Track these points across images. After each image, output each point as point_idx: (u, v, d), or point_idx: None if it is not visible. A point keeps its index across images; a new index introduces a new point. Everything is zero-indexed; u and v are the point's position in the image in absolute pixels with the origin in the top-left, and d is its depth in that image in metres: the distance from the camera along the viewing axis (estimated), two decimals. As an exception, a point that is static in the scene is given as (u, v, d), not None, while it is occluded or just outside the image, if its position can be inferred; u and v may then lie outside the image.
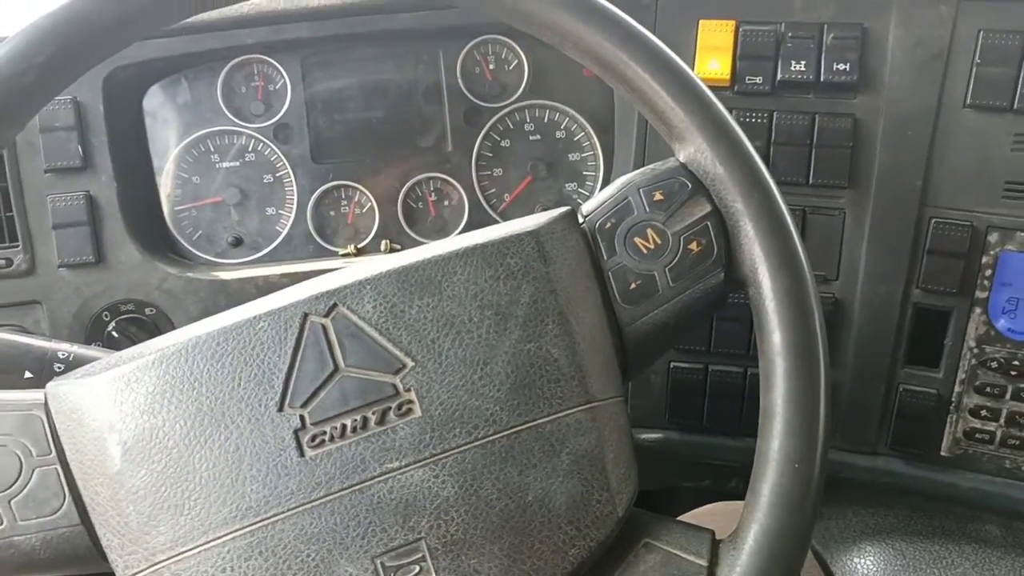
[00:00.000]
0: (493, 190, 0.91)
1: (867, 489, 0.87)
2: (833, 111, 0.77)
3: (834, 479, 0.83)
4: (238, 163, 0.90)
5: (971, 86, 0.73)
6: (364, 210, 0.91)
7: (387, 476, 0.45)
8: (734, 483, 0.93)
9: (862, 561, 0.87)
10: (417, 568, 0.45)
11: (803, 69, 0.76)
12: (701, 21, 0.78)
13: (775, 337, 0.47)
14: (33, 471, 0.47)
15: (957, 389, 0.78)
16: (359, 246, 0.91)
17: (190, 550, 0.45)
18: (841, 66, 0.76)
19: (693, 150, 0.51)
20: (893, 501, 0.88)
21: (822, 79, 0.76)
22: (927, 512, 0.87)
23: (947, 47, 0.73)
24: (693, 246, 0.50)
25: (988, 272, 0.74)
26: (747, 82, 0.77)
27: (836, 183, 0.77)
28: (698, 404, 0.85)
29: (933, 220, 0.75)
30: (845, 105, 0.77)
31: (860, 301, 0.79)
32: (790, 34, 0.76)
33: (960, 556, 0.84)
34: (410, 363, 0.47)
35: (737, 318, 0.80)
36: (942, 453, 0.80)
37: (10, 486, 0.47)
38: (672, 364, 0.84)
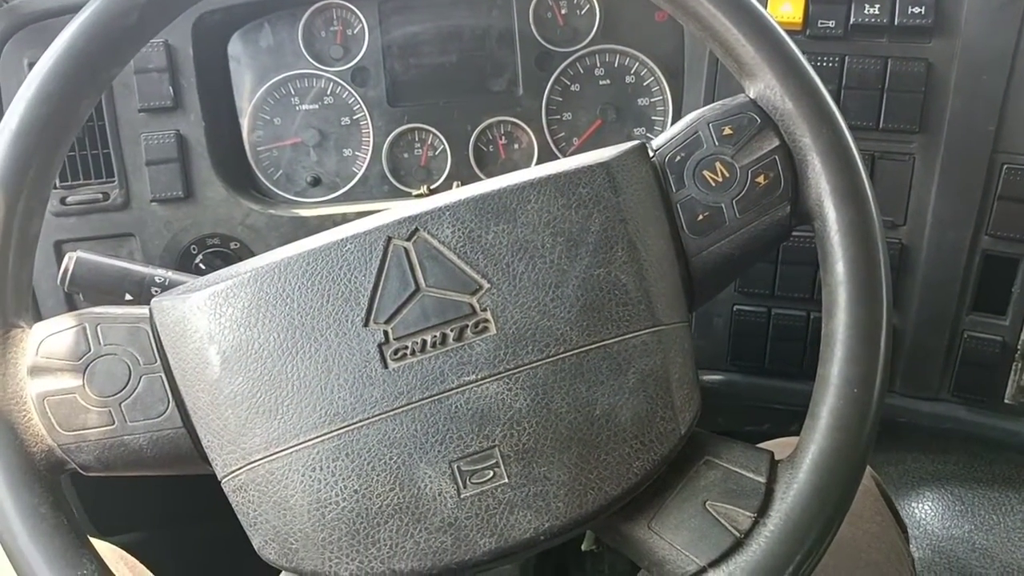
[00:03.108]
0: (562, 134, 0.93)
1: (928, 434, 0.88)
2: (906, 55, 0.76)
3: (895, 424, 0.84)
4: (317, 105, 0.93)
5: (1050, 29, 0.72)
6: (437, 152, 0.94)
7: (464, 388, 0.48)
8: (795, 427, 0.95)
9: (921, 506, 0.88)
10: (491, 473, 0.48)
11: (877, 12, 0.76)
12: (775, -36, 0.78)
13: (838, 267, 0.49)
14: (140, 378, 0.51)
15: (1023, 337, 0.78)
16: (431, 187, 0.94)
17: (283, 451, 0.48)
18: (916, 9, 0.75)
19: (763, 86, 0.52)
20: (954, 447, 0.89)
21: (896, 23, 0.76)
22: (987, 459, 0.87)
23: (1027, -11, 0.72)
24: (760, 179, 0.52)
25: (1060, 219, 0.74)
26: (819, 26, 0.77)
27: (907, 128, 0.77)
28: (761, 347, 0.87)
29: (1005, 166, 0.75)
30: (919, 49, 0.76)
31: (927, 247, 0.79)
32: (865, -23, 0.76)
33: (1020, 503, 0.85)
34: (486, 284, 0.49)
35: (801, 261, 0.81)
36: (1005, 400, 0.81)
37: (120, 391, 0.51)
38: (735, 307, 0.86)
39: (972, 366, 0.80)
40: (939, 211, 0.78)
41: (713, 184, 0.52)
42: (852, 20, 0.77)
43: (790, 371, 0.87)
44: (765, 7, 0.78)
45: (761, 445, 0.54)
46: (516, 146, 0.94)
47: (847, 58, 0.77)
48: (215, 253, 0.89)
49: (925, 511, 0.87)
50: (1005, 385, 0.80)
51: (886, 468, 0.91)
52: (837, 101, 0.77)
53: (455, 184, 0.93)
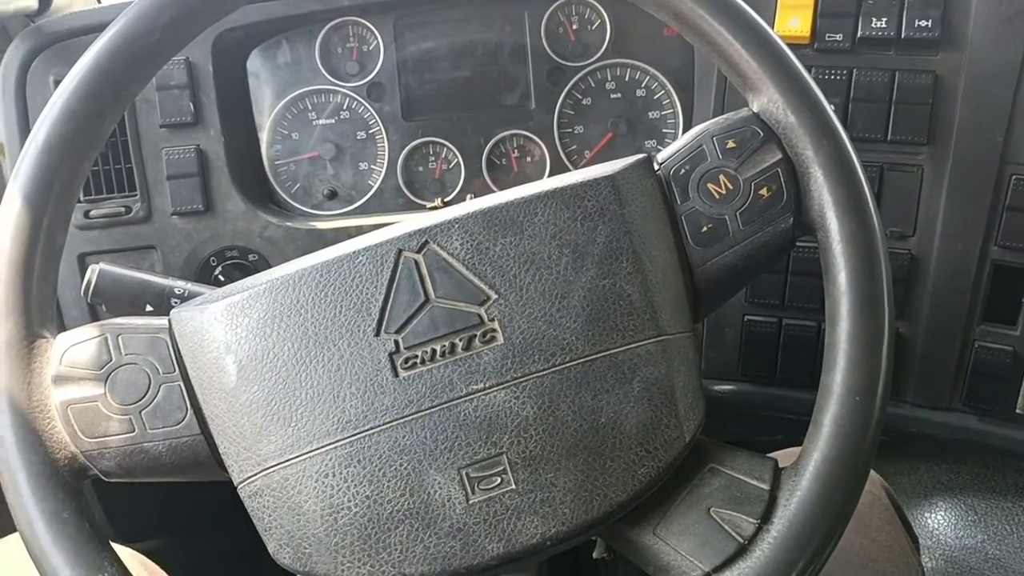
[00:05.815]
0: (574, 147, 0.94)
1: (940, 445, 0.88)
2: (913, 68, 0.77)
3: (907, 434, 0.84)
4: (333, 120, 0.95)
5: (1057, 41, 0.72)
6: (451, 166, 0.96)
7: (472, 396, 0.49)
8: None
9: (933, 516, 0.88)
10: (498, 480, 0.49)
11: (884, 26, 0.77)
12: (782, -21, 0.79)
13: (841, 278, 0.50)
14: (160, 387, 0.53)
15: (1034, 347, 0.78)
16: (445, 200, 0.95)
17: (297, 457, 0.50)
18: (923, 23, 0.76)
19: (766, 100, 0.53)
20: (966, 457, 0.89)
21: (903, 36, 0.76)
22: (1000, 469, 0.87)
23: (1033, 2, 0.73)
24: (764, 191, 0.53)
25: (1069, 229, 0.74)
26: (827, 39, 0.78)
27: (915, 140, 0.78)
28: (771, 357, 0.87)
29: (1014, 177, 0.75)
30: (926, 62, 0.77)
31: (937, 258, 0.80)
32: (872, -10, 0.77)
33: (1033, 513, 0.84)
34: (494, 295, 0.51)
35: (811, 272, 0.82)
36: (1017, 411, 0.81)
37: (140, 399, 0.53)
38: (746, 317, 0.86)
39: (983, 376, 0.81)
40: (948, 222, 0.78)
41: (717, 196, 0.53)
42: (860, 33, 0.77)
43: (801, 381, 0.87)
44: (772, 22, 0.79)
45: (769, 455, 0.54)
46: (529, 159, 0.95)
47: (855, 71, 0.78)
48: (234, 265, 0.91)
49: (938, 521, 0.87)
50: (1017, 395, 0.80)
51: (898, 478, 0.91)
52: (845, 114, 0.79)
53: (468, 197, 0.95)
